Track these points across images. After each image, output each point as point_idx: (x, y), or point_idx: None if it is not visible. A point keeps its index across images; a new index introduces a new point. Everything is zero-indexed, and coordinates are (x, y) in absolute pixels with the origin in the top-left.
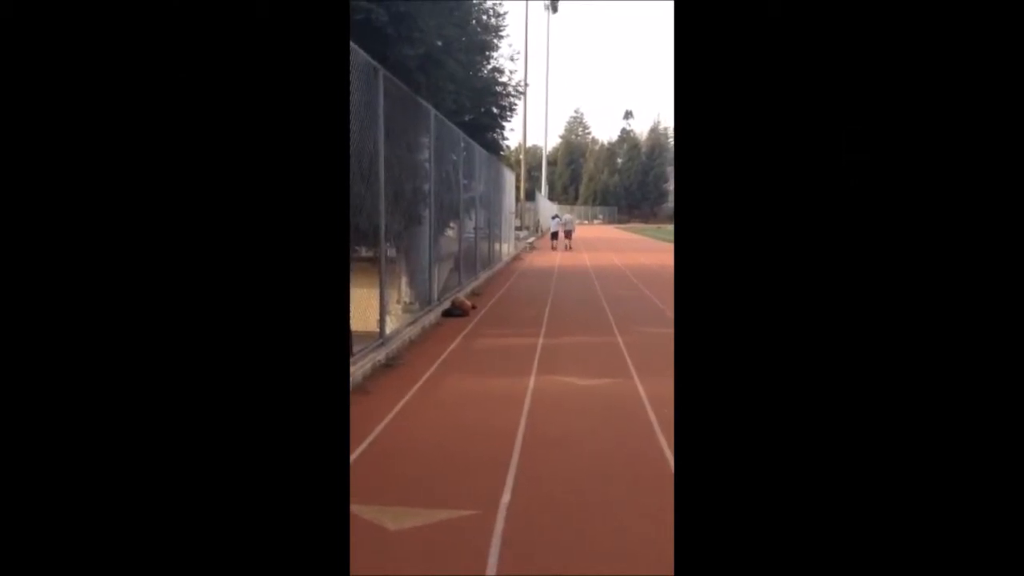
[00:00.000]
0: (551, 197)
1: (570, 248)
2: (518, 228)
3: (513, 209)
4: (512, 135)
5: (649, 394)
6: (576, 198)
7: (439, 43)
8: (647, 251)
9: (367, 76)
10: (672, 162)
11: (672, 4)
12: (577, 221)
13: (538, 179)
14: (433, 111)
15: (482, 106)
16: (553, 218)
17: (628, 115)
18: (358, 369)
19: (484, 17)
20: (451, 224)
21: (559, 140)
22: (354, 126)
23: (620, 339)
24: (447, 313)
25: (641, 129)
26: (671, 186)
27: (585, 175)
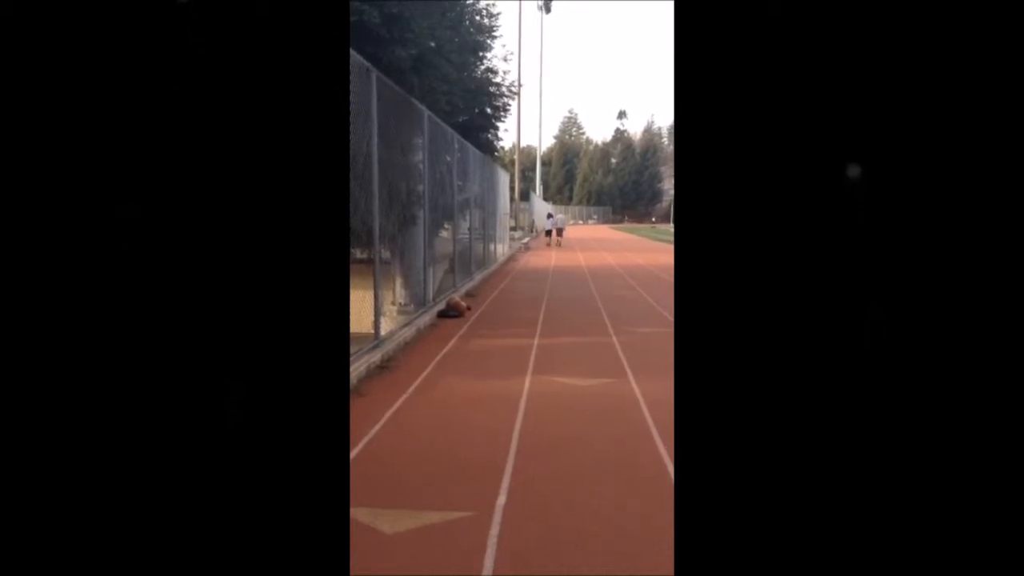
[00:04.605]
0: (546, 197)
1: (560, 244)
2: (513, 228)
3: (508, 210)
4: (506, 136)
5: (645, 394)
6: (571, 198)
7: (432, 44)
8: (641, 251)
9: (360, 77)
10: (665, 162)
11: (672, 4)
12: (570, 221)
13: (533, 179)
14: (426, 112)
15: (476, 107)
16: (548, 217)
17: (622, 115)
18: (353, 371)
19: (477, 17)
20: (446, 225)
21: (553, 140)
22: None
23: (615, 339)
24: (442, 314)
25: (635, 129)
26: (665, 186)
27: (579, 175)
